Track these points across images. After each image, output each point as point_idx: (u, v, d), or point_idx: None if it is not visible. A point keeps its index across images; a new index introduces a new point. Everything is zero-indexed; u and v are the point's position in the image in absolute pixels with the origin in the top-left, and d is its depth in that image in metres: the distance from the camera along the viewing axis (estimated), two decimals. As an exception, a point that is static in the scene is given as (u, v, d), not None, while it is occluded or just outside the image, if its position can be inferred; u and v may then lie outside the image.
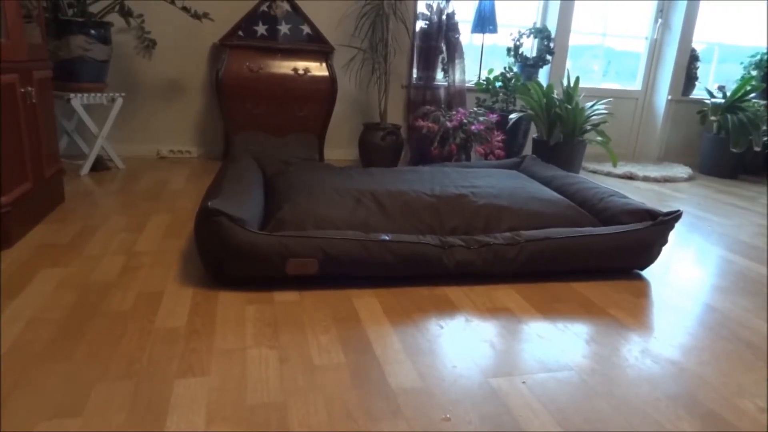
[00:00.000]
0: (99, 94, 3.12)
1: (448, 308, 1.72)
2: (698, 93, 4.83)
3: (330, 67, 3.56)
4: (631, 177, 4.09)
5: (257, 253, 1.69)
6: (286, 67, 3.49)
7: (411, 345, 1.48)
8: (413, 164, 3.90)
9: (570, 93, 3.34)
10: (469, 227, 2.05)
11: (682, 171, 4.27)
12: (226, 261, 1.70)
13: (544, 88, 3.44)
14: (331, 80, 3.56)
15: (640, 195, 3.51)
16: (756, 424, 1.24)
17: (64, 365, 1.28)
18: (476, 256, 1.87)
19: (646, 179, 4.05)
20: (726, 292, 1.99)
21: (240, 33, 3.52)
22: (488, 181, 2.41)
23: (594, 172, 4.23)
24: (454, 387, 1.30)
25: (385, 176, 2.41)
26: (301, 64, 3.50)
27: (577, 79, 3.45)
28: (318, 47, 3.55)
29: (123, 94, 3.25)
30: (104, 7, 3.11)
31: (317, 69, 3.54)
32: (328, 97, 3.58)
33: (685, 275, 2.14)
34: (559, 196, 2.28)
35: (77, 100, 3.00)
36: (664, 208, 3.20)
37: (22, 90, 2.09)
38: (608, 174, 4.13)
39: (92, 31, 2.98)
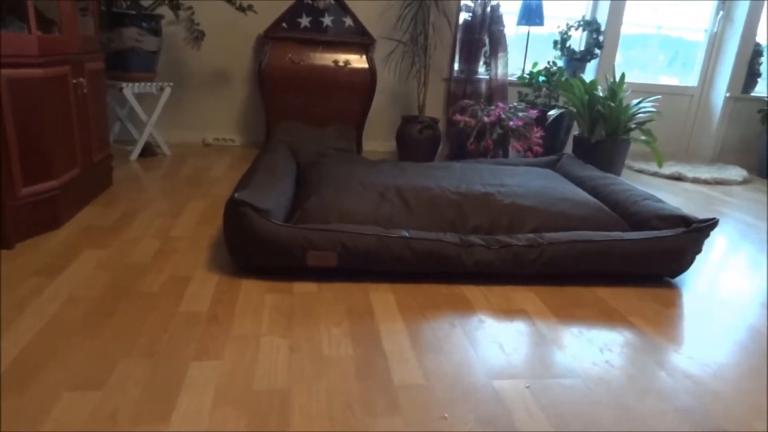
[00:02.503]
0: (149, 84, 3.27)
1: (464, 307, 1.73)
2: (761, 90, 4.56)
3: (370, 60, 3.58)
4: (679, 178, 3.92)
5: (279, 244, 1.75)
6: (326, 59, 3.54)
7: (420, 342, 1.51)
8: (450, 158, 3.88)
9: (614, 90, 3.24)
10: (492, 226, 2.04)
11: (736, 173, 4.06)
12: (249, 250, 1.78)
13: (587, 85, 3.34)
14: (371, 72, 3.59)
15: (686, 197, 3.38)
16: (767, 446, 1.20)
17: (93, 341, 1.38)
18: (496, 257, 1.87)
19: (695, 181, 3.88)
20: (761, 306, 1.91)
21: (284, 25, 3.60)
22: (519, 179, 2.38)
23: (640, 171, 4.08)
24: (457, 386, 1.32)
25: (416, 171, 2.43)
26: (341, 56, 3.55)
27: (623, 75, 3.33)
28: (358, 39, 3.58)
29: (171, 83, 3.39)
30: (155, 0, 3.25)
31: (357, 61, 3.57)
32: (367, 90, 3.61)
33: (722, 286, 2.06)
34: (589, 197, 2.23)
35: (129, 89, 3.16)
36: (710, 213, 3.08)
37: (74, 81, 2.23)
38: (654, 174, 3.98)
39: (143, 24, 3.13)
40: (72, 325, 1.45)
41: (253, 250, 1.77)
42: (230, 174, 3.09)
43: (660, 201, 2.23)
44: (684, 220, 2.01)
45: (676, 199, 3.34)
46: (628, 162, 4.12)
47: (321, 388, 1.27)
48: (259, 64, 3.49)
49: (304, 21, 3.61)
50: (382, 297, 1.75)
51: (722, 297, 1.95)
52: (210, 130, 3.88)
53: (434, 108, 4.01)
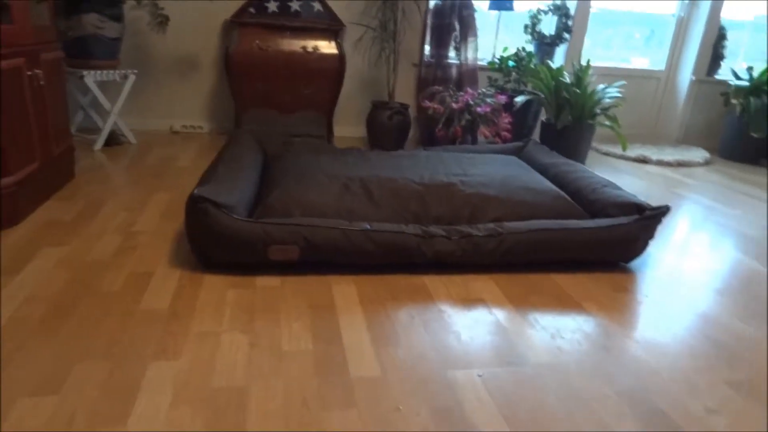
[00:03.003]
0: (112, 72, 3.20)
1: (423, 298, 1.77)
2: (725, 73, 4.65)
3: (339, 45, 3.56)
4: (644, 160, 4.01)
5: (240, 239, 1.76)
6: (295, 45, 3.50)
7: (379, 335, 1.54)
8: (421, 144, 3.90)
9: (580, 76, 3.28)
10: (453, 216, 2.08)
11: (699, 155, 4.17)
12: (211, 246, 1.78)
13: (554, 71, 3.37)
14: (340, 58, 3.56)
15: (648, 181, 3.46)
16: (700, 425, 1.27)
17: (51, 344, 1.39)
18: (456, 247, 1.91)
19: (659, 163, 3.97)
20: (711, 290, 1.99)
21: (251, 9, 3.54)
22: (483, 168, 2.41)
23: (606, 154, 4.16)
24: (412, 378, 1.37)
25: (381, 161, 2.44)
26: (310, 42, 3.51)
27: (588, 62, 3.37)
28: (327, 25, 3.55)
29: (135, 71, 3.33)
30: (116, -15, 3.17)
31: (326, 47, 3.54)
32: (337, 76, 3.59)
33: (673, 270, 2.13)
34: (550, 186, 2.28)
35: (90, 77, 3.09)
36: (671, 196, 3.17)
37: (29, 73, 2.17)
38: (621, 157, 4.06)
39: (104, 9, 3.05)
40: (29, 327, 1.45)
41: (215, 246, 1.78)
42: (197, 164, 3.07)
43: (618, 188, 2.29)
44: (638, 208, 2.07)
45: (640, 182, 3.42)
46: (595, 145, 4.19)
47: (278, 385, 1.30)
48: (226, 50, 3.44)
49: (272, 6, 3.55)
50: (344, 289, 1.78)
51: (673, 281, 2.03)
52: (177, 117, 3.83)
53: (404, 93, 4.01)
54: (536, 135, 3.89)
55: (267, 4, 3.53)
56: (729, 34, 4.56)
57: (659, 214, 2.03)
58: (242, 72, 3.45)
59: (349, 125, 4.07)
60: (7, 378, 1.25)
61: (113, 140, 3.31)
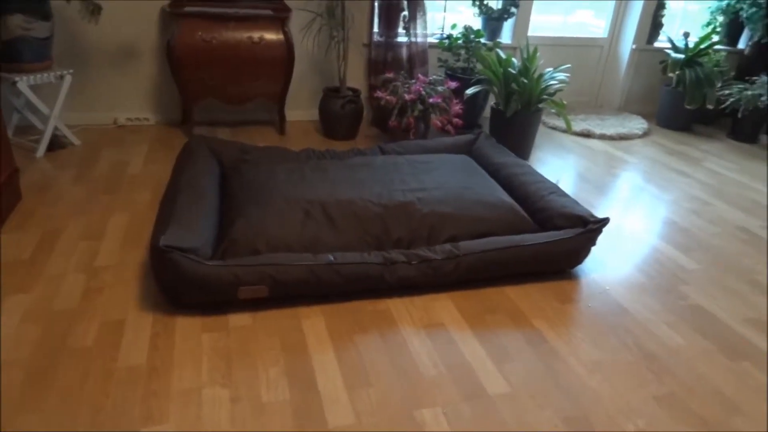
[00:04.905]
0: (46, 74, 3.03)
1: (388, 325, 1.90)
2: (663, 41, 4.81)
3: (286, 33, 3.46)
4: (588, 135, 4.19)
5: (210, 284, 1.82)
6: (240, 34, 3.38)
7: (351, 376, 1.67)
8: (373, 125, 3.92)
9: (527, 65, 3.35)
10: (413, 238, 2.19)
11: (638, 126, 4.38)
12: (181, 290, 1.83)
13: (503, 61, 3.42)
14: (288, 46, 3.47)
15: (591, 159, 3.65)
16: (632, 449, 1.49)
17: (35, 417, 1.44)
18: (417, 272, 2.03)
19: (602, 137, 4.16)
20: (641, 291, 2.21)
21: (190, -4, 3.37)
22: (438, 178, 2.50)
23: (554, 128, 4.31)
24: (383, 422, 1.51)
25: (338, 174, 2.49)
26: (256, 32, 3.40)
27: (536, 49, 3.43)
28: (273, 12, 3.43)
29: (71, 70, 3.16)
30: (40, -22, 2.93)
31: (273, 35, 3.44)
32: (286, 64, 3.51)
33: (609, 271, 2.34)
34: (502, 197, 2.40)
35: (23, 83, 2.92)
36: (613, 177, 3.37)
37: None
38: (566, 132, 4.22)
39: (29, 8, 2.84)
40: (12, 402, 1.49)
41: (185, 291, 1.83)
42: (150, 170, 3.01)
43: (564, 195, 2.44)
44: (582, 220, 2.24)
45: (582, 161, 3.61)
46: (543, 119, 4.33)
47: (263, 444, 1.42)
48: (168, 43, 3.29)
49: (212, -9, 3.39)
50: (314, 323, 1.89)
51: (609, 283, 2.23)
52: (121, 110, 3.68)
53: (355, 75, 3.97)
54: (486, 116, 3.98)
55: (207, -11, 3.37)
56: (668, 3, 4.68)
57: (601, 225, 2.21)
58: (187, 65, 3.33)
59: (301, 108, 4.02)
60: (1, 465, 1.31)
61: (56, 144, 3.18)
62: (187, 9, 3.30)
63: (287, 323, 1.88)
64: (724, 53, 4.53)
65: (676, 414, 1.61)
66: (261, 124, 3.91)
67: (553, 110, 3.42)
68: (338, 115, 3.61)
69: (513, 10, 4.20)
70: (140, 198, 2.67)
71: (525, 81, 3.27)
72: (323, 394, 1.59)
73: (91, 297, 1.93)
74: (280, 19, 3.44)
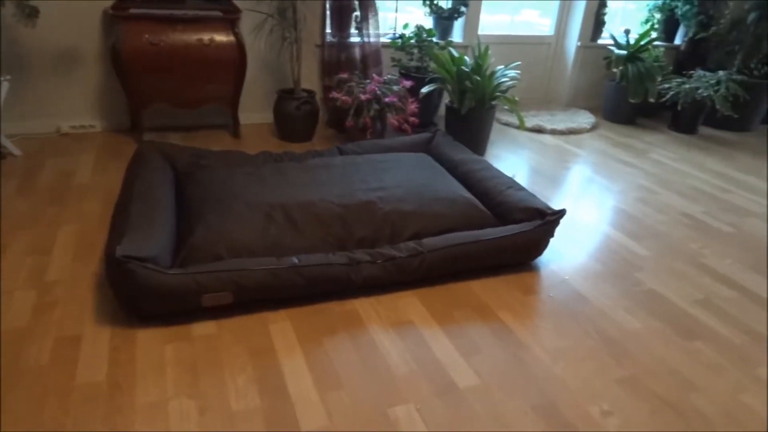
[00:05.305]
0: (-20, 81, 2.86)
1: (356, 326, 1.90)
2: (606, 38, 5.00)
3: (237, 35, 3.40)
4: (539, 130, 4.31)
5: (172, 293, 1.76)
6: (189, 37, 3.29)
7: (322, 378, 1.66)
8: (329, 125, 3.91)
9: (480, 63, 3.41)
10: (375, 237, 2.19)
11: (586, 120, 4.54)
12: (141, 302, 1.77)
13: (456, 59, 3.47)
14: (239, 47, 3.41)
15: (543, 154, 3.75)
16: (597, 429, 1.54)
17: (-10, 444, 1.36)
18: (382, 271, 2.03)
19: (553, 132, 4.29)
20: (597, 278, 2.29)
21: (134, -3, 3.26)
22: (397, 176, 2.51)
23: (506, 125, 4.41)
24: (358, 422, 1.51)
25: (297, 177, 2.46)
26: (205, 34, 3.32)
27: (487, 47, 3.50)
28: (222, 13, 3.36)
29: (8, 77, 3.00)
30: (-30, -21, 2.77)
31: (223, 37, 3.37)
32: (238, 66, 3.45)
33: (568, 260, 2.41)
34: (462, 193, 2.44)
35: (-44, 91, 2.75)
36: (565, 170, 3.48)
37: None
38: (519, 127, 4.32)
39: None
40: (-39, 428, 1.40)
41: (145, 302, 1.77)
42: (99, 179, 2.89)
43: (521, 189, 2.50)
44: (540, 213, 2.30)
45: (536, 156, 3.71)
46: (496, 116, 4.43)
47: (235, 453, 1.39)
48: (113, 46, 3.17)
49: (157, -8, 3.29)
50: (281, 327, 1.86)
51: (568, 272, 2.30)
52: (64, 117, 3.51)
53: (310, 76, 3.94)
54: (442, 113, 4.03)
55: (152, -10, 3.26)
56: (608, 1, 4.87)
57: (558, 217, 2.27)
58: (134, 69, 3.21)
59: (255, 111, 3.96)
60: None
61: (-5, 155, 3.01)
62: (132, 11, 3.20)
63: (253, 329, 1.84)
64: (662, 49, 4.75)
65: (638, 395, 1.68)
66: (214, 128, 3.83)
67: (506, 107, 3.49)
68: (294, 116, 3.58)
69: (463, 9, 4.27)
70: (90, 208, 2.56)
71: (478, 79, 3.33)
72: (294, 398, 1.57)
73: (44, 313, 1.84)
74: (230, 20, 3.38)
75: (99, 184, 2.83)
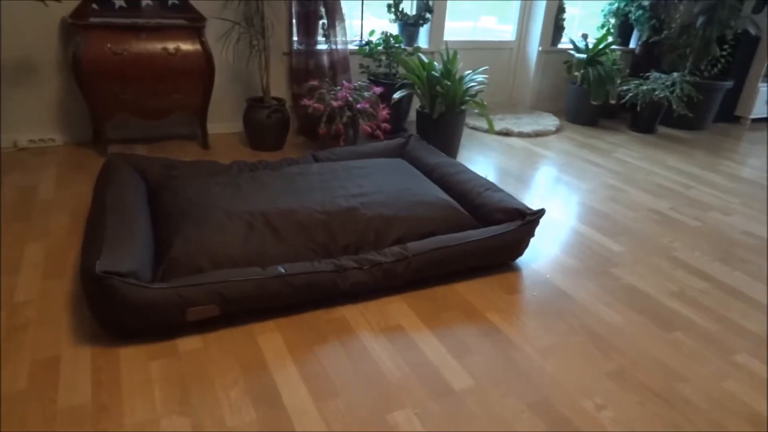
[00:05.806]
0: (-69, 94, 2.70)
1: (346, 333, 1.87)
2: (565, 42, 5.15)
3: (203, 43, 3.33)
4: (507, 134, 4.39)
5: (155, 309, 1.70)
6: (154, 46, 3.21)
7: (316, 388, 1.63)
8: (301, 134, 3.88)
9: (449, 68, 3.45)
10: (360, 243, 2.17)
11: (551, 123, 4.65)
12: (122, 319, 1.70)
13: (426, 64, 3.51)
14: (206, 56, 3.34)
15: (512, 156, 3.82)
16: (593, 423, 1.57)
17: (-32, 478, 1.27)
18: (368, 277, 2.02)
19: (520, 135, 4.38)
20: (577, 275, 2.34)
21: (94, 6, 3.16)
22: (376, 181, 2.51)
23: (474, 129, 4.48)
24: (356, 430, 1.48)
25: (275, 185, 2.43)
26: (170, 43, 3.24)
27: (455, 53, 3.55)
28: (187, 22, 3.29)
29: (-39, 89, 2.84)
30: None
31: (189, 46, 3.30)
32: (205, 75, 3.38)
33: (547, 257, 2.45)
34: (441, 196, 2.45)
35: None
36: (534, 171, 3.55)
37: None
38: (487, 131, 4.39)
39: None
40: (-66, 463, 1.31)
41: (128, 318, 1.70)
42: (63, 194, 2.77)
43: (500, 190, 2.54)
44: (520, 213, 2.33)
45: (505, 158, 3.77)
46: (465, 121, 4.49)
47: (234, 470, 1.34)
48: (73, 56, 3.06)
49: (119, 0, 3.20)
50: (270, 339, 1.82)
51: (549, 271, 2.35)
52: (22, 131, 3.36)
53: (278, 84, 3.90)
54: (413, 119, 4.05)
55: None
56: (566, 6, 5.03)
57: (538, 217, 2.31)
58: (96, 79, 3.10)
59: (224, 121, 3.89)
60: None
61: (-53, 172, 2.85)
62: (93, 20, 3.10)
63: (242, 341, 1.79)
64: (619, 53, 4.93)
65: (628, 387, 1.72)
66: (182, 138, 3.74)
67: (476, 111, 3.54)
68: (264, 125, 3.53)
69: (428, 15, 4.32)
70: (57, 224, 2.45)
71: (449, 83, 3.37)
72: (290, 409, 1.54)
73: (15, 336, 1.74)
74: (195, 28, 3.31)
75: (64, 198, 2.71)
